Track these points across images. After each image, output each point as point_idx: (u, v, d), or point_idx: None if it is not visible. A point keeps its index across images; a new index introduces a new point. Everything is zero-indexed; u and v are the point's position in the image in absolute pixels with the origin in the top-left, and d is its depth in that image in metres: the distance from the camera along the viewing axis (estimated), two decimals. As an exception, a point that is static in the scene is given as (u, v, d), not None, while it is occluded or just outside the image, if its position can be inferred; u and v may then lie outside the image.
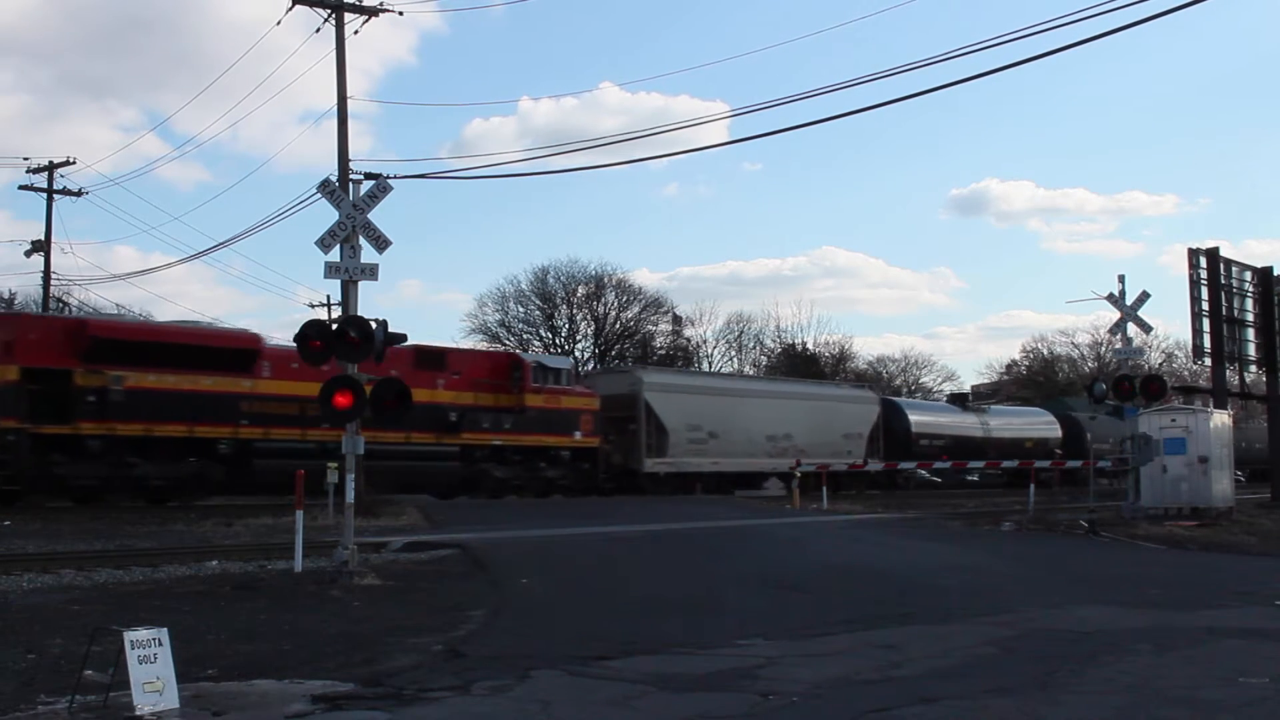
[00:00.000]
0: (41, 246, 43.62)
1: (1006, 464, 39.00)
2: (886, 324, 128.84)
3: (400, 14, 27.33)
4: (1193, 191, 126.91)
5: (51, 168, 43.63)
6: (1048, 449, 47.97)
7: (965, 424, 47.86)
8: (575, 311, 64.91)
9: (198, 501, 26.71)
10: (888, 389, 70.90)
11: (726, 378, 51.15)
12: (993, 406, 54.16)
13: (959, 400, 53.74)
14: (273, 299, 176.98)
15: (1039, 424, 51.52)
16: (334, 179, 19.40)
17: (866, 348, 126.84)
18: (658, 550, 18.73)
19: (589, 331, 65.22)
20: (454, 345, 45.00)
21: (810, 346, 71.08)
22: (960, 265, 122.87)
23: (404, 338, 15.66)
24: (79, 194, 44.03)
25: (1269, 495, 34.54)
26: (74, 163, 44.15)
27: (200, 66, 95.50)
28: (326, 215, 15.34)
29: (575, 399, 33.90)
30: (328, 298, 50.70)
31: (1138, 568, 17.50)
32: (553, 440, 33.13)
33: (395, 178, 18.93)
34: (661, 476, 35.96)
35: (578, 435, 33.66)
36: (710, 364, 69.50)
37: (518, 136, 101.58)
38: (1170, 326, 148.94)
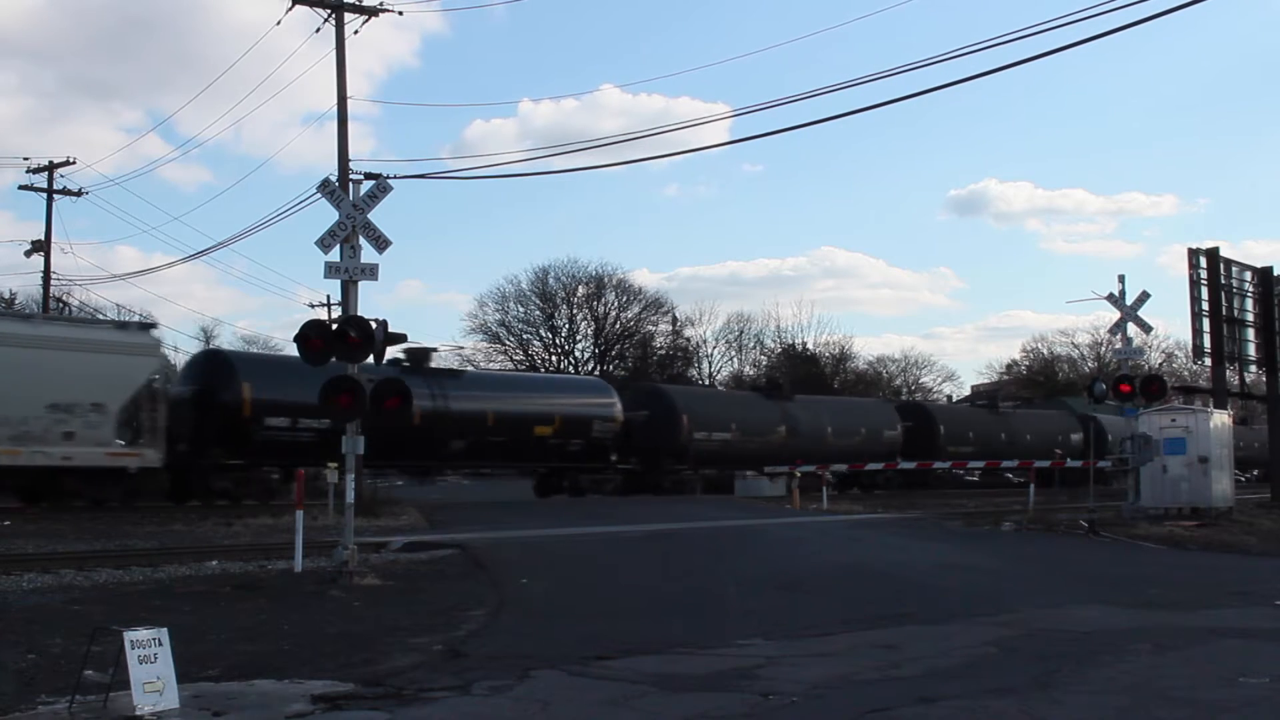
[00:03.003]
0: (41, 246, 43.72)
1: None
2: (886, 324, 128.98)
3: (400, 14, 27.54)
4: (1192, 192, 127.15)
5: (51, 168, 43.71)
6: (590, 436, 34.78)
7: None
8: (575, 311, 64.92)
9: None
10: (888, 389, 70.57)
11: None
12: (471, 371, 37.76)
13: (415, 359, 32.39)
14: (274, 299, 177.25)
15: (570, 402, 35.39)
16: (334, 179, 19.40)
17: (867, 348, 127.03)
18: (658, 550, 18.69)
19: (589, 331, 65.23)
20: None
21: (810, 347, 71.06)
22: (960, 265, 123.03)
23: (404, 337, 15.69)
24: (79, 194, 44.18)
25: (1269, 495, 34.54)
26: (74, 163, 44.37)
27: (202, 68, 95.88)
28: (327, 215, 15.35)
29: None
30: (328, 298, 50.78)
31: (1138, 568, 17.51)
32: None
33: (395, 178, 18.89)
34: None
35: None
36: (710, 364, 69.20)
37: (518, 137, 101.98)
38: (1170, 326, 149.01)
